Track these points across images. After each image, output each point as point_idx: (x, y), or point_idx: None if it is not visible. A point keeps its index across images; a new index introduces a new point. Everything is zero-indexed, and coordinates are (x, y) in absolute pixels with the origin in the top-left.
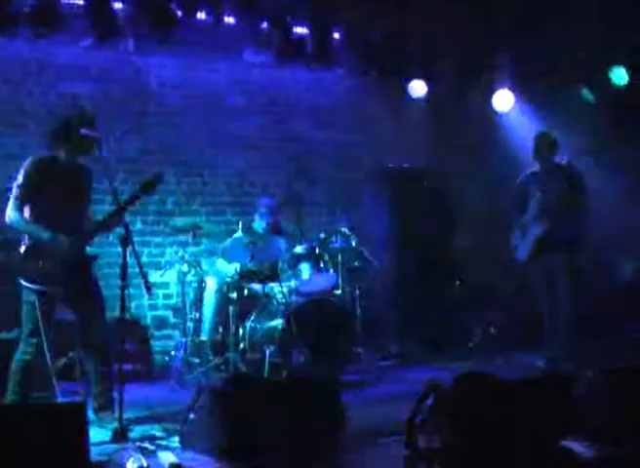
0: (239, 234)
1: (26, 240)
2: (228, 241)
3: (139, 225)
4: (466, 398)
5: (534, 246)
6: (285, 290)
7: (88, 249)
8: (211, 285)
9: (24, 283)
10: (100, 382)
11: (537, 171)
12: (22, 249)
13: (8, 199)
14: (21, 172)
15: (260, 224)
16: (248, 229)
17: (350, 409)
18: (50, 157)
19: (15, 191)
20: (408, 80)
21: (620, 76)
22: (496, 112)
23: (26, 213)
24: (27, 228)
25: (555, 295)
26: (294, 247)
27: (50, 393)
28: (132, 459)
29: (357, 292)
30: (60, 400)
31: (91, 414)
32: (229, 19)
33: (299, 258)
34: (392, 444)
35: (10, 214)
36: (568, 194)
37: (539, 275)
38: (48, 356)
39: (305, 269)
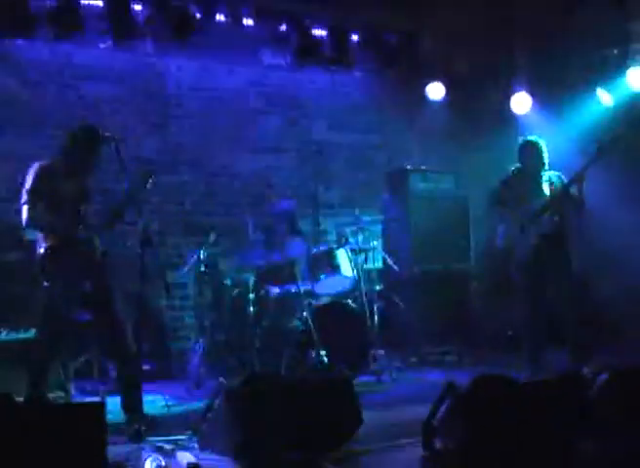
0: (257, 236)
1: (44, 241)
2: (246, 242)
3: (156, 225)
4: (483, 399)
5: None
6: (302, 291)
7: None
8: (228, 285)
9: (45, 283)
10: (124, 381)
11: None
12: (42, 250)
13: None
14: (28, 177)
15: (278, 226)
16: (266, 230)
17: (366, 411)
18: (54, 162)
19: (25, 197)
20: (425, 82)
21: (637, 79)
22: (514, 114)
23: (39, 214)
24: (43, 226)
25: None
26: (311, 248)
27: (66, 392)
28: (150, 459)
29: (375, 294)
30: (75, 399)
31: (121, 414)
32: (248, 21)
33: (316, 260)
34: (409, 445)
35: (26, 219)
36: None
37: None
38: (65, 356)
39: (323, 271)
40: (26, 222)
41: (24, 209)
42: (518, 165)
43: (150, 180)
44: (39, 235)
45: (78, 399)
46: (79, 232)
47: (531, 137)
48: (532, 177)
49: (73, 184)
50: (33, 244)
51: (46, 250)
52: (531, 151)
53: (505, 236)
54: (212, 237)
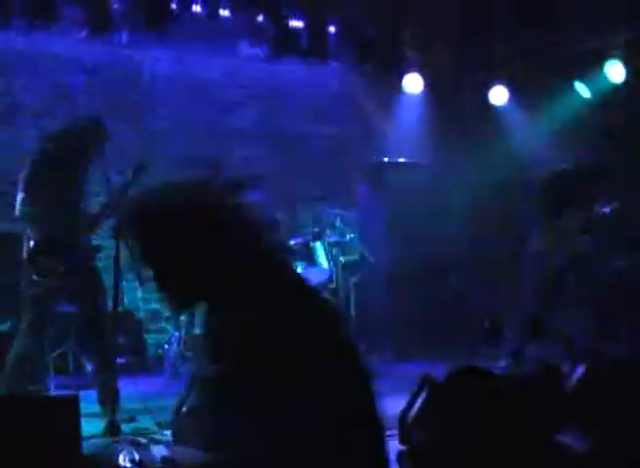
0: None
1: (35, 234)
2: None
3: None
4: (460, 392)
5: None
6: None
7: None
8: None
9: (35, 277)
10: (100, 374)
11: None
12: (32, 243)
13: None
14: (26, 168)
15: None
16: None
17: None
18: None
19: (21, 193)
20: (403, 74)
21: (616, 71)
22: (492, 107)
23: (35, 205)
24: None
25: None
26: (288, 240)
27: (44, 386)
28: (124, 453)
29: (351, 286)
30: (51, 393)
31: (96, 407)
32: (225, 12)
33: (292, 252)
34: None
35: (20, 208)
36: None
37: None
38: (46, 349)
39: (299, 263)
40: (21, 216)
41: (19, 202)
42: None
43: (145, 171)
44: (30, 228)
45: (54, 392)
46: (71, 227)
47: None
48: None
49: (67, 178)
50: (21, 237)
51: (37, 243)
52: None
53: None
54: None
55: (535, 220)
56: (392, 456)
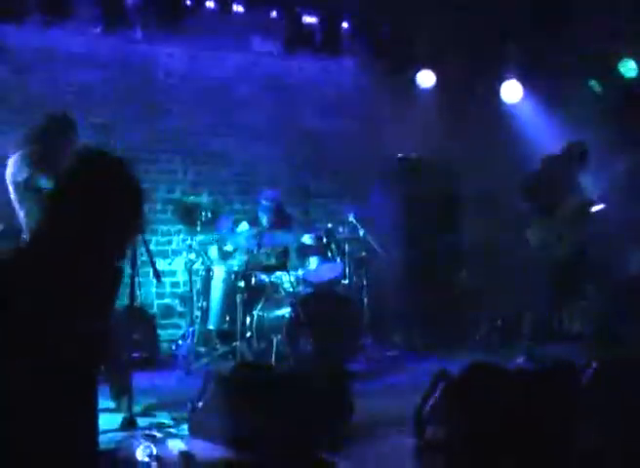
0: (245, 226)
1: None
2: (235, 232)
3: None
4: (475, 388)
5: None
6: (292, 279)
7: None
8: (218, 273)
9: None
10: (113, 370)
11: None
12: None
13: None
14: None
15: (262, 217)
16: (254, 221)
17: (357, 399)
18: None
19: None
20: (416, 70)
21: (629, 68)
22: (504, 103)
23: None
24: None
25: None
26: (301, 236)
27: None
28: (141, 447)
29: (364, 282)
30: None
31: (111, 402)
32: (238, 8)
33: (306, 248)
34: (399, 434)
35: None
36: None
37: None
38: None
39: (313, 259)
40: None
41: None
42: None
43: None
44: (23, 224)
45: None
46: None
47: None
48: None
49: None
50: (19, 232)
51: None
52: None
53: None
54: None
55: (530, 217)
56: (408, 451)
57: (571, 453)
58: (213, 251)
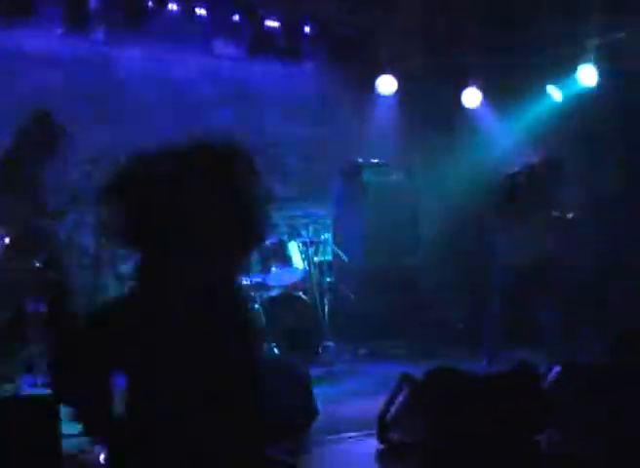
0: None
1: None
2: None
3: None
4: (439, 392)
5: None
6: (253, 283)
7: None
8: None
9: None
10: None
11: None
12: (7, 240)
13: None
14: None
15: None
16: None
17: (320, 403)
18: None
19: None
20: (377, 75)
21: (588, 76)
22: (465, 109)
23: None
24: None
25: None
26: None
27: (14, 385)
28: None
29: (326, 285)
30: (24, 392)
31: None
32: (201, 11)
33: (267, 252)
34: (364, 438)
35: None
36: None
37: None
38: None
39: (274, 263)
40: None
41: None
42: None
43: None
44: None
45: (27, 392)
46: (38, 221)
47: None
48: None
49: (27, 172)
50: None
51: (12, 240)
52: None
53: None
54: None
55: (499, 224)
56: (372, 455)
57: (534, 456)
58: None
